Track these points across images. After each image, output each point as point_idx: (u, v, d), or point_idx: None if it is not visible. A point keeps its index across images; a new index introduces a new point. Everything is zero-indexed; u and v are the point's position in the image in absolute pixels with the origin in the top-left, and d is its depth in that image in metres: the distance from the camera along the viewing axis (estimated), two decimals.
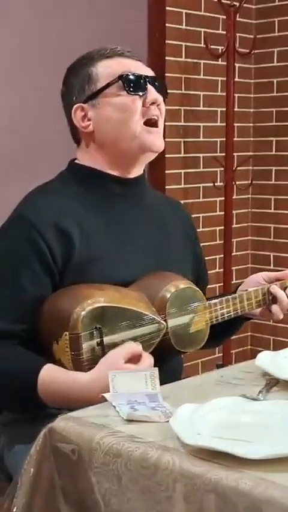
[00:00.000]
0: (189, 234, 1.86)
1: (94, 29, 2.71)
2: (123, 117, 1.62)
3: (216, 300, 1.70)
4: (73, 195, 1.66)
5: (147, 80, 1.64)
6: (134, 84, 1.62)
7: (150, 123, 1.64)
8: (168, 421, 1.17)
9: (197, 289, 1.66)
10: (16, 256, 1.56)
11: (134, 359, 1.44)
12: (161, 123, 1.66)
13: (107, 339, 1.48)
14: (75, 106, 1.65)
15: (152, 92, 1.63)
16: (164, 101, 1.68)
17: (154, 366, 1.46)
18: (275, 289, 1.78)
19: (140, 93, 1.62)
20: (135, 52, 1.69)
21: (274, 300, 1.78)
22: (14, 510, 1.23)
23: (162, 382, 1.36)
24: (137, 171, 1.71)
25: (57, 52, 1.70)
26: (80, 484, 1.19)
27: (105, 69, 1.64)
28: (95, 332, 1.47)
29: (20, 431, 1.58)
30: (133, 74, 1.63)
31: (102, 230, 1.63)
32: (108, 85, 1.63)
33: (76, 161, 1.72)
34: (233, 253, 3.37)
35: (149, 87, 1.63)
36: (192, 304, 1.63)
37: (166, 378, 1.40)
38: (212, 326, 1.71)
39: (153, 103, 1.63)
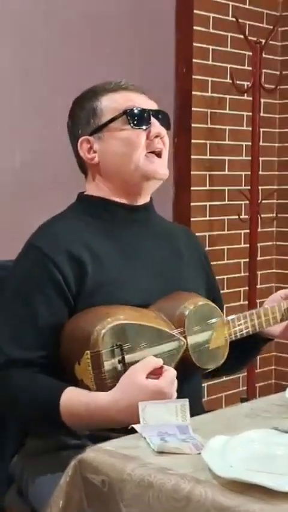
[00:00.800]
0: (200, 258, 1.86)
1: (120, 64, 2.74)
2: (127, 150, 1.65)
3: (234, 316, 1.70)
4: (83, 223, 1.68)
5: (151, 113, 1.66)
6: (138, 119, 1.65)
7: (154, 154, 1.66)
8: (199, 453, 1.16)
9: (215, 306, 1.67)
10: (30, 284, 1.58)
11: (156, 373, 1.43)
12: (165, 154, 1.68)
13: (128, 357, 1.48)
14: (81, 138, 1.68)
15: (155, 126, 1.66)
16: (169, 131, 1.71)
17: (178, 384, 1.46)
18: None
19: (144, 127, 1.64)
20: (140, 85, 1.72)
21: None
22: None
23: (184, 388, 1.38)
24: (143, 199, 1.73)
25: (82, 88, 1.73)
26: None
27: (111, 103, 1.67)
28: (116, 350, 1.47)
29: (43, 463, 1.58)
30: (137, 109, 1.65)
31: (113, 255, 1.64)
32: (113, 119, 1.65)
33: (85, 192, 1.74)
34: (258, 286, 3.36)
35: (153, 120, 1.66)
36: (211, 320, 1.63)
37: (188, 396, 1.39)
38: (235, 348, 1.71)
39: (156, 136, 1.66)
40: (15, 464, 1.70)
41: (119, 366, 1.47)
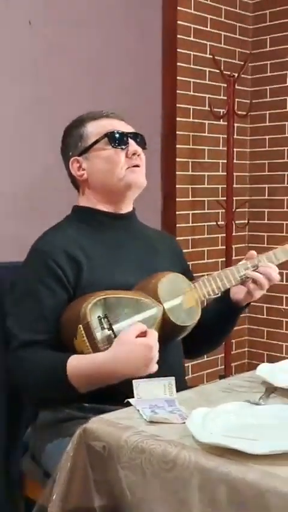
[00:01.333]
0: (179, 258, 1.85)
1: (116, 97, 2.70)
2: (109, 167, 1.66)
3: (199, 280, 1.69)
4: (77, 229, 1.68)
5: (129, 135, 1.67)
6: (117, 140, 1.66)
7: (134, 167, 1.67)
8: (184, 423, 1.16)
9: (181, 275, 1.67)
10: (36, 280, 1.58)
11: (141, 335, 1.45)
12: (142, 168, 1.69)
13: (116, 326, 1.49)
14: (71, 159, 1.70)
15: (132, 145, 1.67)
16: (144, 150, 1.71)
17: (160, 346, 1.46)
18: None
19: (123, 147, 1.66)
20: (120, 113, 1.73)
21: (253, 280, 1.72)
22: (54, 497, 1.22)
23: (169, 363, 1.39)
24: (126, 207, 1.73)
25: (73, 112, 1.75)
26: (110, 477, 1.19)
27: (95, 129, 1.68)
28: (103, 320, 1.49)
29: (53, 433, 1.58)
30: (117, 132, 1.66)
31: (102, 255, 1.64)
32: (96, 141, 1.67)
33: (78, 204, 1.75)
34: None
35: (130, 141, 1.67)
36: (180, 287, 1.63)
37: (172, 374, 1.40)
38: (216, 323, 1.73)
39: (134, 154, 1.66)
40: (29, 434, 1.70)
41: (109, 333, 1.48)
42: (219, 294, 1.76)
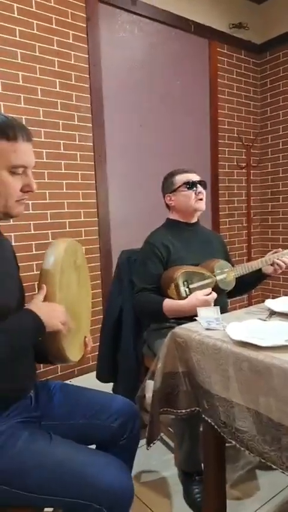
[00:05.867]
0: (223, 246, 1.77)
1: (184, 162, 2.69)
2: (187, 199, 1.60)
3: (236, 266, 1.63)
4: (168, 231, 1.64)
5: (197, 182, 1.61)
6: (191, 185, 1.60)
7: (200, 200, 1.61)
8: (224, 329, 1.15)
9: (227, 262, 1.61)
10: (147, 257, 1.57)
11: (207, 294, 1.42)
12: (204, 201, 1.63)
13: (191, 286, 1.46)
14: (166, 194, 1.66)
15: (199, 188, 1.61)
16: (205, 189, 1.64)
17: (215, 300, 1.42)
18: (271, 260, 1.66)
19: (194, 189, 1.60)
20: (194, 168, 1.68)
21: (272, 264, 1.64)
22: (158, 366, 1.24)
23: (219, 303, 1.35)
24: (194, 219, 1.67)
25: (161, 171, 1.74)
26: (186, 356, 1.20)
27: (180, 179, 1.62)
28: (184, 283, 1.46)
29: (158, 334, 1.59)
30: (191, 181, 1.60)
31: (182, 246, 1.60)
32: (180, 186, 1.61)
33: (168, 217, 1.71)
34: (252, 256, 3.24)
35: (198, 186, 1.61)
36: (225, 268, 1.58)
37: (220, 306, 1.36)
38: (247, 281, 1.64)
39: (199, 193, 1.61)
40: (146, 334, 1.71)
41: (187, 290, 1.46)
42: (249, 272, 1.66)
